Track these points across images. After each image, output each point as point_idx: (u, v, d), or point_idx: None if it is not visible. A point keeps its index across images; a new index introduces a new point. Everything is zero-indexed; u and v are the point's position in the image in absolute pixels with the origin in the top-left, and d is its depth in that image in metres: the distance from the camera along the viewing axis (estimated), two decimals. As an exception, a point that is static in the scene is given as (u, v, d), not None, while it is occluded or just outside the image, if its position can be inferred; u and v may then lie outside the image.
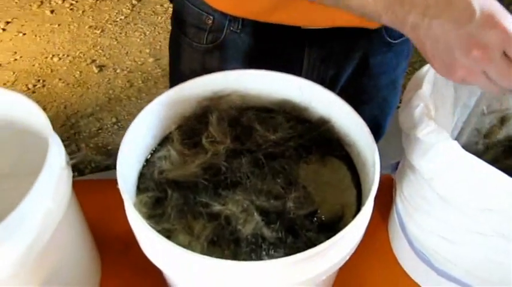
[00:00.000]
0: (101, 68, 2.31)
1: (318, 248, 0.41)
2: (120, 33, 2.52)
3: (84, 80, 2.24)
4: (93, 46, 2.43)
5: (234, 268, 0.41)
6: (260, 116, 0.56)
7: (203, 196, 0.48)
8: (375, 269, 0.66)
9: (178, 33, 0.76)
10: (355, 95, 0.55)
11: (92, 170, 1.87)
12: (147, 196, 0.49)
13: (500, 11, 0.42)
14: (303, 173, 0.52)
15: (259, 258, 0.45)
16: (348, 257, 0.47)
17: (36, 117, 0.52)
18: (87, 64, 2.32)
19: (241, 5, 0.66)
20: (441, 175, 0.50)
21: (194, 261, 0.42)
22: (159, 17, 2.62)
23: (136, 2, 2.70)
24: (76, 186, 0.55)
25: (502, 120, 0.68)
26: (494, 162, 0.68)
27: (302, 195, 0.49)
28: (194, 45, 0.74)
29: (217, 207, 0.47)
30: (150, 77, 2.23)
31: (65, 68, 2.30)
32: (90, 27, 2.54)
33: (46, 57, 2.35)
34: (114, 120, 2.06)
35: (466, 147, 0.70)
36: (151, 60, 2.31)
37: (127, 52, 2.40)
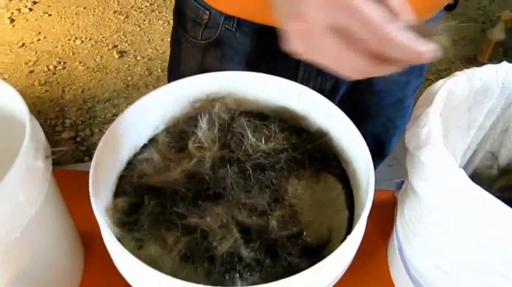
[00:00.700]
0: (121, 54, 2.30)
1: (296, 276, 0.37)
2: (144, 20, 2.50)
3: (104, 65, 2.24)
4: (116, 31, 2.42)
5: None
6: (253, 123, 0.52)
7: (181, 206, 0.45)
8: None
9: (177, 26, 0.74)
10: (355, 111, 0.51)
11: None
12: (122, 201, 0.46)
13: None
14: (292, 189, 0.48)
15: (232, 279, 0.41)
16: None
17: (14, 104, 0.49)
18: (109, 49, 2.32)
19: (233, 2, 0.62)
20: (443, 204, 0.46)
21: (161, 280, 0.38)
22: (184, 6, 2.60)
23: (162, -10, 2.69)
24: (61, 177, 0.52)
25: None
26: (507, 189, 0.63)
27: (288, 214, 0.45)
28: (191, 40, 0.71)
29: (194, 219, 0.44)
30: (169, 67, 2.22)
31: (86, 51, 2.30)
32: (114, 12, 2.54)
33: (69, 40, 2.36)
34: (130, 107, 2.06)
35: (479, 171, 0.65)
36: (172, 49, 2.29)
37: (149, 40, 2.39)
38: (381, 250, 0.67)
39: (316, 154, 0.51)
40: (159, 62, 2.26)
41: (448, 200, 0.45)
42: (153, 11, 2.57)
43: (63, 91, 2.09)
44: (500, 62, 0.57)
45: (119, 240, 0.43)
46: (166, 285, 0.38)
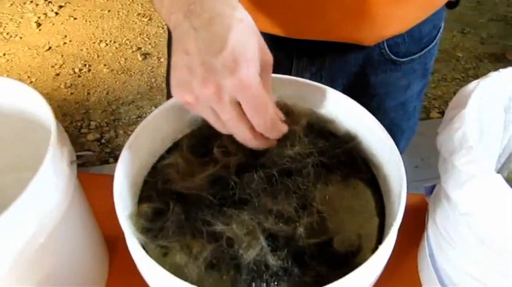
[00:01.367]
0: (145, 56, 2.32)
1: (326, 287, 0.35)
2: (167, 22, 2.52)
3: (128, 67, 2.26)
4: (140, 34, 2.45)
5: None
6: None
7: (206, 212, 0.44)
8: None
9: (170, 32, 0.72)
10: None
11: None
12: (147, 207, 0.45)
13: (251, 59, 0.38)
14: (320, 195, 0.46)
15: (259, 289, 0.40)
16: (361, 297, 0.41)
17: (41, 110, 0.49)
18: (133, 51, 2.34)
19: None
20: (479, 212, 0.44)
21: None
22: (207, 8, 2.60)
23: (185, -8, 2.70)
24: (86, 180, 0.52)
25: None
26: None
27: (316, 220, 0.44)
28: None
29: (219, 227, 0.43)
30: (192, 68, 2.22)
31: (111, 54, 2.33)
32: (138, 14, 2.57)
33: (94, 43, 2.39)
34: (153, 109, 2.07)
35: (514, 175, 0.62)
36: (195, 51, 2.30)
37: (172, 41, 2.40)
38: (410, 256, 0.65)
39: (345, 159, 0.49)
40: (182, 63, 2.27)
41: (485, 207, 0.43)
42: (176, 13, 2.59)
43: (88, 93, 2.12)
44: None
45: (144, 247, 0.42)
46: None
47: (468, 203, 0.44)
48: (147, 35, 2.44)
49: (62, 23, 2.50)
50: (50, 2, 2.62)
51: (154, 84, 2.18)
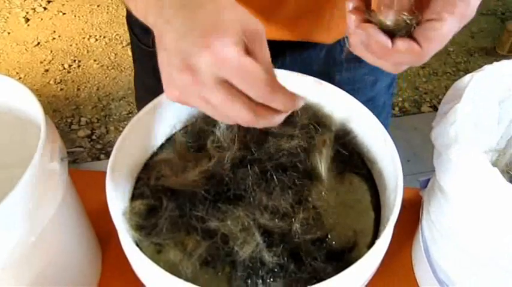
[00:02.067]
0: (135, 51, 2.30)
1: (323, 284, 0.35)
2: (157, 17, 2.49)
3: (118, 62, 2.24)
4: (130, 29, 2.42)
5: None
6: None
7: (200, 208, 0.43)
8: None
9: (131, 33, 0.71)
10: None
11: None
12: (140, 204, 0.45)
13: (224, 30, 0.35)
14: (315, 191, 0.46)
15: (254, 285, 0.40)
16: (358, 293, 0.41)
17: (30, 106, 0.48)
18: (123, 47, 2.32)
19: None
20: (475, 204, 0.43)
21: (181, 286, 0.37)
22: (198, 3, 2.58)
23: (175, -14, 2.67)
24: (78, 177, 0.51)
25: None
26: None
27: (311, 216, 0.43)
28: (143, 48, 0.68)
29: (214, 223, 0.42)
30: (183, 64, 2.20)
31: (101, 49, 2.30)
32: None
33: (83, 38, 2.36)
34: (144, 105, 2.06)
35: (508, 169, 0.62)
36: (186, 46, 2.28)
37: (163, 37, 2.38)
38: (405, 249, 0.65)
39: (341, 154, 0.49)
40: (173, 58, 2.25)
41: (481, 200, 0.43)
42: (166, 7, 2.56)
43: (78, 89, 2.10)
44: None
45: (137, 245, 0.41)
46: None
47: (463, 196, 0.44)
48: (137, 30, 2.42)
49: (50, 18, 2.46)
50: (38, -4, 2.58)
51: (145, 80, 2.16)
